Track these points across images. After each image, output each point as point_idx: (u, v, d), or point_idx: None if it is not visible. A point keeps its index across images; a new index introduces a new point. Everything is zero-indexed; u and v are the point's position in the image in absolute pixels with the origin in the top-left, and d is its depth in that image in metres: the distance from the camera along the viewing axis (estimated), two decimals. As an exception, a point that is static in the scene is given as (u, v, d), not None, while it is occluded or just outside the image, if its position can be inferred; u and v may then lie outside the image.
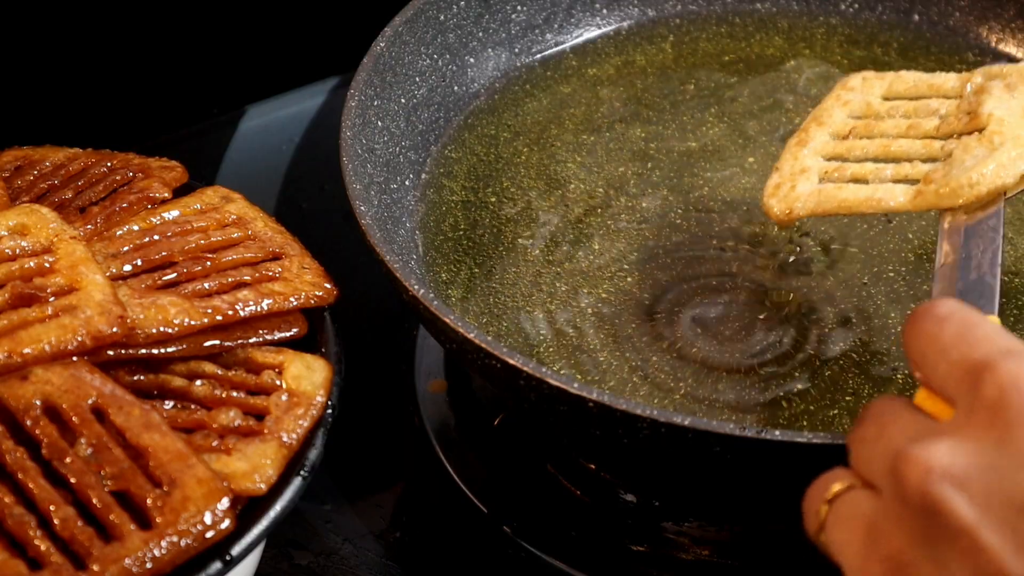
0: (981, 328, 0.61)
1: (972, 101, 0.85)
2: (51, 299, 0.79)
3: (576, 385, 0.78)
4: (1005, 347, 0.59)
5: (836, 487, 0.62)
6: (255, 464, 0.77)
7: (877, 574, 0.58)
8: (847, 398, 0.86)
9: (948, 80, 0.88)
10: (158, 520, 0.73)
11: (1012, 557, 0.54)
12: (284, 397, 0.80)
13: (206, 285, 0.83)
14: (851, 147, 0.87)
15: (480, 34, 1.06)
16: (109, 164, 0.92)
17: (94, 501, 0.73)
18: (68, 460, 0.74)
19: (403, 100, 1.00)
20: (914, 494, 0.57)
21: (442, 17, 1.04)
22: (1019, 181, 0.82)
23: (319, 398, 0.81)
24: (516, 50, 1.08)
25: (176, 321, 0.80)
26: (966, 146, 0.83)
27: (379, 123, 0.97)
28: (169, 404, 0.80)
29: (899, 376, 0.87)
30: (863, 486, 0.61)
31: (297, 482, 0.77)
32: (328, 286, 0.86)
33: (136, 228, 0.86)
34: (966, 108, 0.85)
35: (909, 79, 0.89)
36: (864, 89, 0.90)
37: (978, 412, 0.57)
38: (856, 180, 0.85)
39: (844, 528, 0.61)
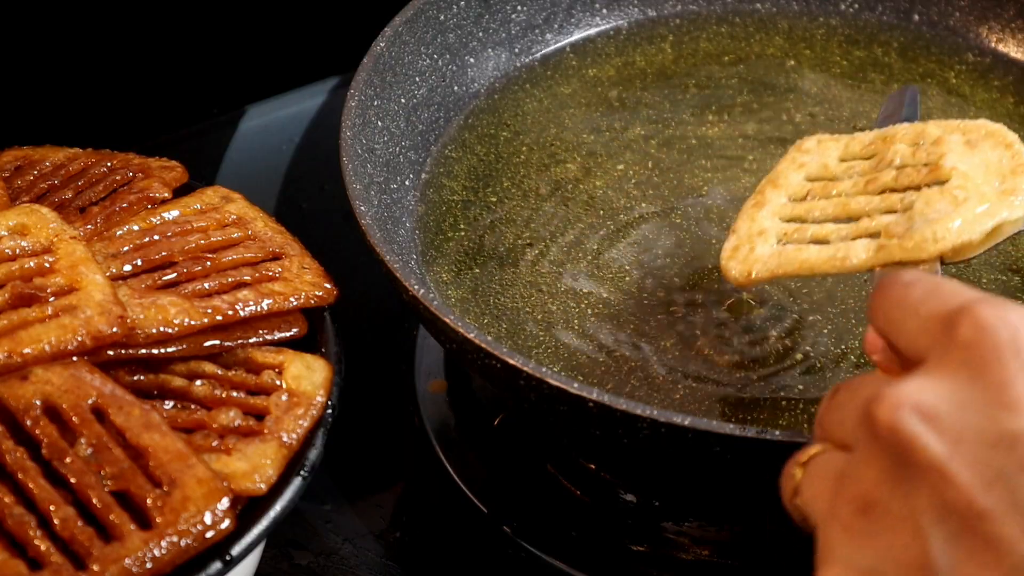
0: (949, 285, 0.60)
1: (931, 152, 0.83)
2: (51, 299, 0.79)
3: (576, 385, 0.78)
4: (977, 295, 0.58)
5: (812, 451, 0.62)
6: (255, 464, 0.77)
7: (845, 516, 0.57)
8: (847, 398, 0.86)
9: (903, 131, 0.86)
10: (158, 520, 0.73)
11: (981, 492, 0.53)
12: (284, 397, 0.80)
13: (206, 285, 0.83)
14: (809, 208, 0.85)
15: (480, 34, 1.06)
16: (109, 164, 0.92)
17: (94, 501, 0.73)
18: (68, 460, 0.74)
19: (403, 100, 1.00)
20: (884, 429, 0.56)
21: (442, 17, 1.04)
22: (982, 239, 0.80)
23: (319, 398, 0.81)
24: (516, 50, 1.08)
25: (176, 321, 0.80)
26: (928, 199, 0.81)
27: (379, 123, 0.97)
28: (169, 404, 0.80)
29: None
30: (837, 448, 0.60)
31: (297, 482, 0.77)
32: (328, 286, 0.86)
33: (136, 228, 0.86)
34: (924, 159, 0.83)
35: (864, 139, 0.87)
36: (819, 151, 0.87)
37: (952, 352, 0.56)
38: (816, 241, 0.83)
39: (816, 482, 0.60)
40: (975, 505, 0.53)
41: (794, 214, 0.85)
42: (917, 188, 0.82)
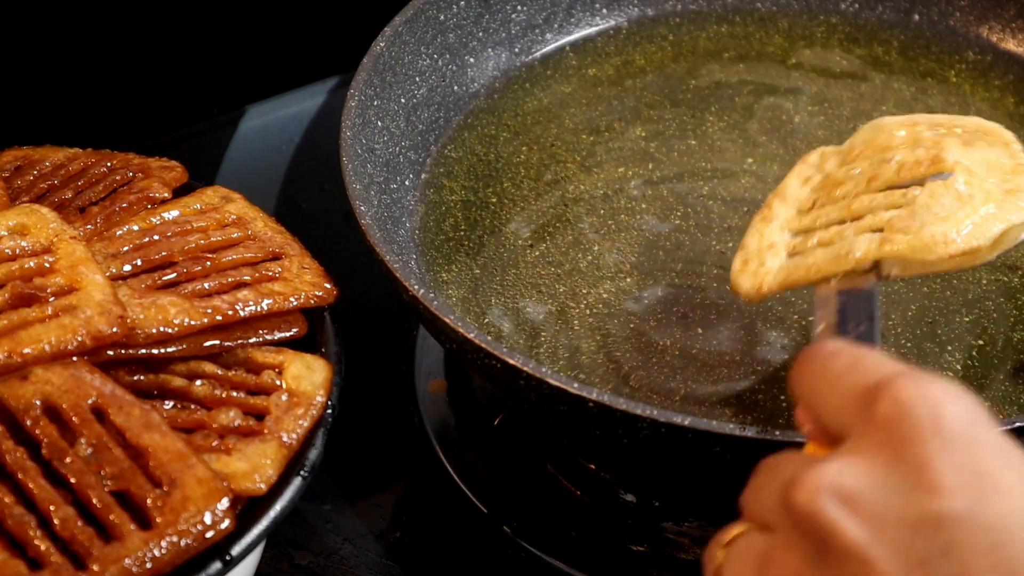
0: (871, 358, 0.58)
1: (931, 147, 0.82)
2: (51, 299, 0.79)
3: (576, 385, 0.78)
4: (898, 369, 0.56)
5: (734, 531, 0.60)
6: (255, 464, 0.77)
7: None
8: (847, 398, 0.86)
9: (901, 133, 0.85)
10: (158, 520, 0.73)
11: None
12: (284, 397, 0.80)
13: (206, 285, 0.83)
14: (815, 217, 0.84)
15: (480, 34, 1.06)
16: (109, 164, 0.92)
17: (94, 501, 0.73)
18: (68, 460, 0.74)
19: (403, 100, 1.00)
20: (803, 515, 0.54)
21: (442, 17, 1.03)
22: (991, 246, 0.79)
23: (319, 398, 0.81)
24: (516, 50, 1.08)
25: (176, 321, 0.80)
26: (932, 191, 0.80)
27: (379, 123, 0.97)
28: (169, 404, 0.80)
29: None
30: (760, 530, 0.59)
31: (297, 482, 0.77)
32: (328, 286, 0.86)
33: (136, 228, 0.86)
34: (924, 156, 0.82)
35: (862, 139, 0.86)
36: (822, 164, 0.87)
37: (871, 431, 0.55)
38: (823, 245, 0.82)
39: (738, 565, 0.58)
40: None
41: (802, 226, 0.84)
42: (920, 183, 0.81)
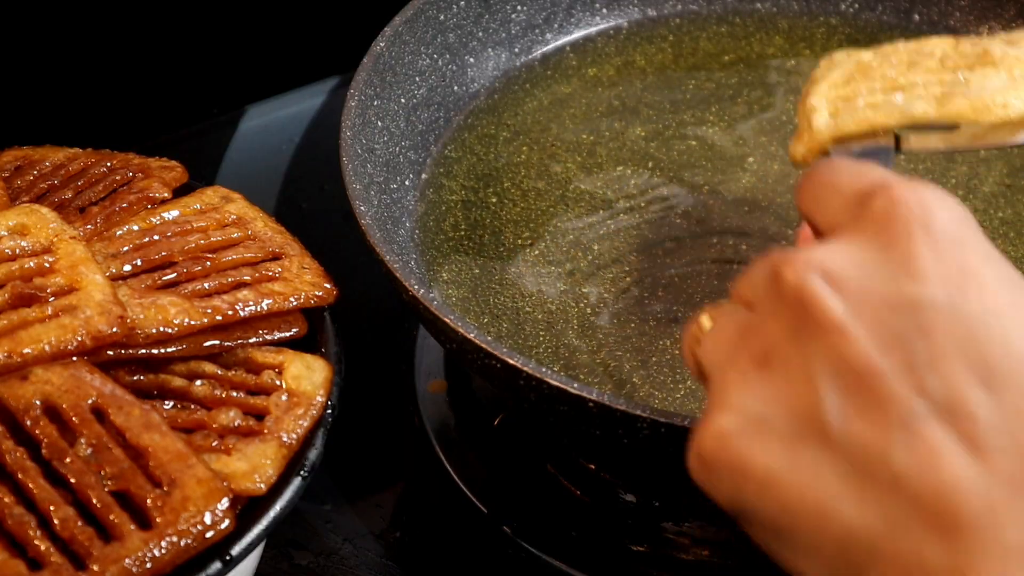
0: (875, 169, 0.60)
1: (975, 44, 0.80)
2: (51, 299, 0.79)
3: (576, 385, 0.78)
4: (899, 178, 0.58)
5: (722, 307, 0.62)
6: (255, 464, 0.77)
7: (743, 364, 0.57)
8: (847, 398, 0.86)
9: (936, 41, 0.83)
10: (158, 520, 0.73)
11: (878, 352, 0.54)
12: (284, 397, 0.80)
13: (206, 285, 0.83)
14: (856, 87, 0.81)
15: (480, 34, 1.06)
16: (109, 164, 0.92)
17: (94, 501, 0.73)
18: (68, 460, 0.74)
19: (403, 100, 1.00)
20: (789, 288, 0.56)
21: (442, 17, 1.04)
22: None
23: (319, 398, 0.81)
24: (516, 50, 1.08)
25: (176, 321, 0.80)
26: (984, 74, 0.78)
27: (379, 123, 0.97)
28: (169, 404, 0.80)
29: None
30: (746, 307, 0.60)
31: (297, 482, 0.77)
32: (328, 286, 0.86)
33: (136, 228, 0.86)
34: (969, 51, 0.80)
35: (898, 46, 0.85)
36: (851, 56, 0.85)
37: (864, 223, 0.57)
38: (870, 107, 0.80)
39: (720, 333, 0.60)
40: (871, 364, 0.53)
41: (843, 94, 0.83)
42: (970, 69, 0.80)
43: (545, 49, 1.09)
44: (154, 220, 0.87)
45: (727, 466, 0.56)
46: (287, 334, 0.84)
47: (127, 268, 0.84)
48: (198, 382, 0.81)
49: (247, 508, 0.76)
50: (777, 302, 0.57)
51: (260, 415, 0.80)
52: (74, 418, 0.76)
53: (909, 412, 0.52)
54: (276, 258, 0.87)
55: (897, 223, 0.56)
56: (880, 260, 0.56)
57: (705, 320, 0.62)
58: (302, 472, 0.78)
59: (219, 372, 0.81)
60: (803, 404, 0.54)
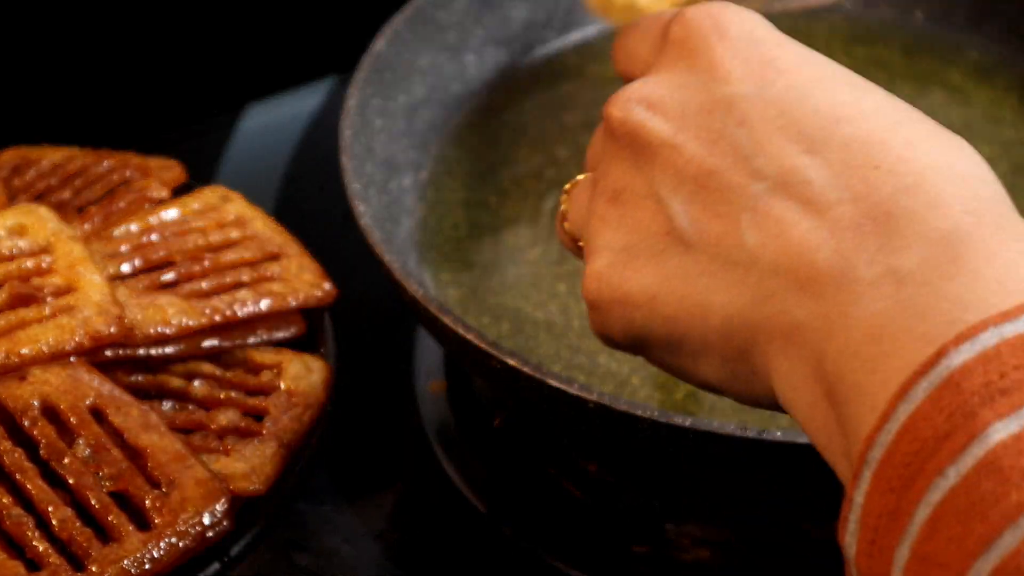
0: (667, 11, 0.65)
1: None
2: (49, 299, 0.79)
3: (576, 386, 0.78)
4: (685, 10, 0.63)
5: (575, 181, 0.67)
6: (254, 464, 0.77)
7: (600, 209, 0.61)
8: (848, 398, 0.85)
9: None
10: (156, 521, 0.73)
11: (707, 153, 0.58)
12: (283, 397, 0.80)
13: (204, 285, 0.83)
14: None
15: (480, 33, 1.06)
16: (107, 164, 0.92)
17: (92, 502, 0.73)
18: (66, 461, 0.74)
19: (403, 99, 1.00)
20: (617, 123, 0.61)
21: (442, 16, 1.03)
22: None
23: (318, 398, 0.81)
24: (516, 49, 1.08)
25: (175, 321, 0.80)
26: None
27: (379, 122, 0.97)
28: (168, 404, 0.80)
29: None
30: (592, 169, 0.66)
31: (296, 482, 0.77)
32: (327, 286, 0.86)
33: (134, 228, 0.86)
34: None
35: None
36: None
37: (669, 51, 0.62)
38: None
39: (576, 198, 0.65)
40: (704, 165, 0.58)
41: None
42: None
43: (545, 49, 1.09)
44: (153, 220, 0.87)
45: (610, 300, 0.61)
46: (286, 334, 0.84)
47: (126, 268, 0.84)
48: (197, 382, 0.80)
49: (246, 508, 0.76)
50: (612, 143, 0.62)
51: (259, 415, 0.80)
52: (72, 418, 0.76)
53: (749, 196, 0.57)
54: (275, 258, 0.87)
55: (695, 39, 0.61)
56: (689, 76, 0.60)
57: (564, 199, 0.67)
58: (301, 472, 0.78)
59: (218, 372, 0.81)
60: (658, 222, 0.59)
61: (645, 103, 0.61)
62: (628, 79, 0.66)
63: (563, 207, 0.67)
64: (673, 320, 0.59)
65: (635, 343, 0.62)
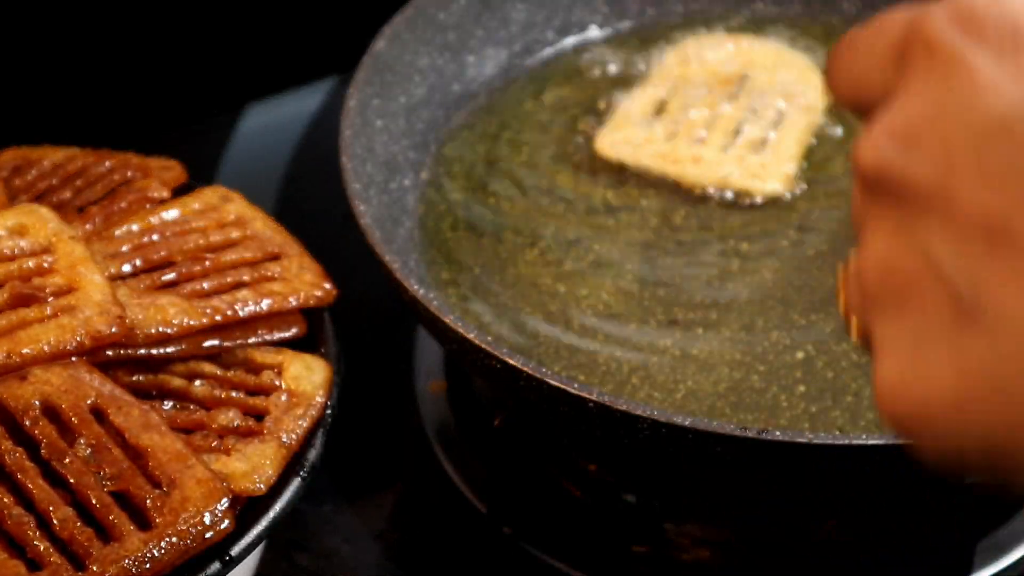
0: (889, 17, 0.53)
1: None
2: (50, 299, 0.79)
3: (576, 385, 0.78)
4: (919, 13, 0.51)
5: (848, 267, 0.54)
6: (254, 464, 0.77)
7: (872, 294, 0.50)
8: (848, 398, 0.86)
9: None
10: (157, 521, 0.73)
11: (989, 196, 0.46)
12: (284, 397, 0.80)
13: (205, 285, 0.83)
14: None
15: (480, 33, 1.06)
16: (108, 164, 0.92)
17: (93, 501, 0.73)
18: (67, 460, 0.74)
19: (403, 99, 1.00)
20: (872, 177, 0.49)
21: (442, 16, 1.03)
22: None
23: (319, 398, 0.81)
24: (516, 49, 1.08)
25: (175, 321, 0.80)
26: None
27: (379, 122, 0.97)
28: (168, 404, 0.80)
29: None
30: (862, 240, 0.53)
31: (296, 482, 0.77)
32: (327, 286, 0.86)
33: (135, 228, 0.86)
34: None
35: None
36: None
37: (911, 68, 0.49)
38: None
39: (848, 288, 0.52)
40: (989, 215, 0.46)
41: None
42: None
43: (545, 49, 1.09)
44: (153, 220, 0.87)
45: (906, 415, 0.48)
46: (287, 334, 0.84)
47: (126, 268, 0.84)
48: (197, 382, 0.80)
49: (246, 508, 0.76)
50: (871, 201, 0.50)
51: (259, 415, 0.80)
52: (73, 418, 0.76)
53: None
54: (275, 258, 0.87)
55: (943, 44, 0.48)
56: (947, 95, 0.48)
57: (840, 281, 0.55)
58: (301, 472, 0.78)
59: (218, 372, 0.81)
60: (942, 301, 0.47)
61: (899, 139, 0.48)
62: (860, 111, 0.53)
63: (840, 295, 0.55)
64: (989, 428, 0.47)
65: (964, 463, 0.49)
